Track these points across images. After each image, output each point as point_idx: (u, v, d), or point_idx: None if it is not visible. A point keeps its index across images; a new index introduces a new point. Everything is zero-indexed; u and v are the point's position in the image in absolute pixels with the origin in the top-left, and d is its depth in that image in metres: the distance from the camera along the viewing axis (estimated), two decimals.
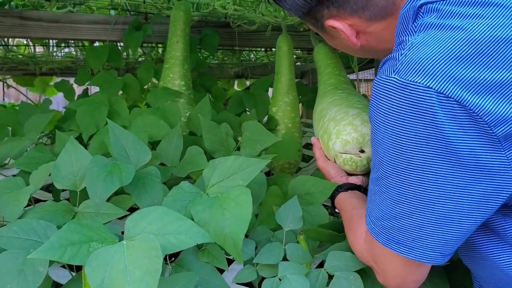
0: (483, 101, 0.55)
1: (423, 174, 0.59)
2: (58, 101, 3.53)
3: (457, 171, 0.57)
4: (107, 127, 1.17)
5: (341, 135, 0.91)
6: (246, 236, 0.93)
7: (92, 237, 0.68)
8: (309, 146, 1.94)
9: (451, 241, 0.62)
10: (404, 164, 0.60)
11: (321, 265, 0.90)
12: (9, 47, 2.10)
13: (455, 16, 0.61)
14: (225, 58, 2.60)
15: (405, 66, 0.59)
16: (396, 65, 0.60)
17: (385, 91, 0.60)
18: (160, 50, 2.20)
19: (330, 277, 0.83)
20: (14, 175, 1.21)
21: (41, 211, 0.94)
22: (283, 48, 1.51)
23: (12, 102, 3.28)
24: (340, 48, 0.88)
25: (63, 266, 0.94)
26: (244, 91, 1.74)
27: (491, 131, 0.55)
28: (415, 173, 0.60)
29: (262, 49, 2.57)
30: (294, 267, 0.81)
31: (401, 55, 0.61)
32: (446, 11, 0.62)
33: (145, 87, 1.69)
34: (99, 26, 1.76)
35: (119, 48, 1.83)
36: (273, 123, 1.41)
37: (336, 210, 0.93)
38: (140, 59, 2.22)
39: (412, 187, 0.61)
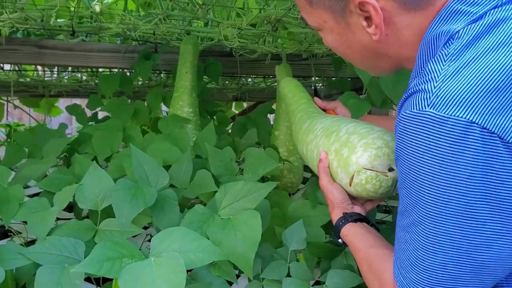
0: None
1: (462, 220, 0.54)
2: (60, 122, 3.63)
3: (497, 217, 0.53)
4: (122, 152, 1.29)
5: (370, 148, 0.79)
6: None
7: (123, 254, 0.78)
8: (307, 168, 2.05)
9: None
10: (442, 207, 0.55)
11: (317, 282, 1.01)
12: (21, 72, 2.21)
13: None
14: (226, 82, 2.72)
15: (441, 99, 0.54)
16: (430, 97, 0.55)
17: (419, 128, 0.55)
18: (165, 76, 2.31)
19: None
20: (34, 194, 1.32)
21: (66, 228, 1.04)
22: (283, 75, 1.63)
23: (16, 122, 3.38)
24: (343, 46, 0.77)
25: (88, 280, 1.04)
26: (246, 117, 1.85)
27: None
28: (454, 218, 0.54)
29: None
30: (296, 283, 0.92)
31: (434, 87, 0.55)
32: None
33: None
34: (109, 54, 1.88)
35: (129, 75, 1.94)
36: (273, 152, 1.53)
37: (340, 241, 0.85)
38: (146, 82, 2.34)
39: (449, 233, 0.55)
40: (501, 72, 0.53)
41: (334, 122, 0.94)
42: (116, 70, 2.09)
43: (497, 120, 0.51)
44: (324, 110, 1.15)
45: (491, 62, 0.54)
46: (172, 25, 1.53)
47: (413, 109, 0.56)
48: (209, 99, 2.05)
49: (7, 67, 2.20)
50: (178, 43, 1.74)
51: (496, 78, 0.53)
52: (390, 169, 0.79)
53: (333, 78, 2.25)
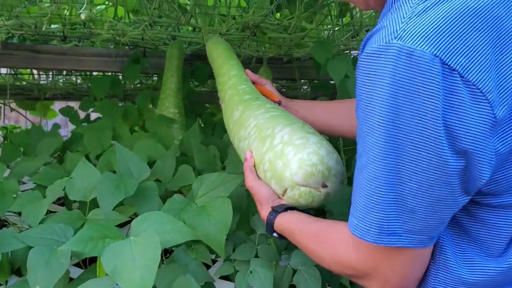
0: (487, 77, 0.53)
1: (421, 152, 0.55)
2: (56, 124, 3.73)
3: (449, 152, 0.54)
4: (112, 149, 1.39)
5: (304, 165, 0.78)
6: (227, 239, 1.13)
7: (106, 235, 0.88)
8: None
9: (442, 220, 0.60)
10: (400, 138, 0.55)
11: None
12: (17, 75, 2.31)
13: None
14: (215, 85, 2.82)
15: (408, 33, 0.54)
16: (397, 31, 0.55)
17: (385, 61, 0.54)
18: (155, 79, 2.41)
19: (295, 271, 1.03)
20: (30, 190, 1.41)
21: (57, 218, 1.13)
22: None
23: (13, 124, 3.48)
24: None
25: (75, 265, 1.13)
26: None
27: (492, 113, 0.53)
28: (414, 150, 0.55)
29: None
30: (263, 263, 1.01)
31: (402, 22, 0.55)
32: None
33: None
34: (101, 58, 1.98)
35: (121, 78, 2.04)
36: None
37: (275, 235, 0.84)
38: (138, 85, 2.44)
39: (409, 165, 0.56)
40: (467, 13, 0.54)
41: (269, 122, 0.90)
42: (108, 73, 2.19)
43: (458, 58, 0.52)
44: (253, 83, 1.14)
45: (458, 3, 0.54)
46: (158, 31, 1.64)
47: (380, 43, 0.55)
48: (197, 101, 2.15)
49: (3, 71, 2.30)
50: (165, 48, 1.84)
51: (461, 18, 0.53)
52: (324, 185, 0.79)
53: (316, 81, 2.35)
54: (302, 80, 2.62)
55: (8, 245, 1.01)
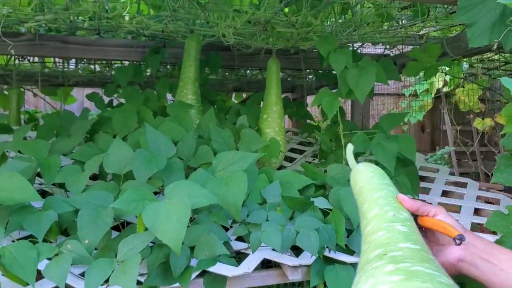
0: None
1: None
2: (73, 109, 3.93)
3: None
4: (138, 130, 1.58)
5: None
6: (242, 206, 1.33)
7: (145, 197, 1.08)
8: (294, 150, 2.35)
9: None
10: None
11: None
12: (45, 63, 2.50)
13: None
14: (226, 74, 3.01)
15: None
16: None
17: None
18: (171, 68, 2.60)
19: (298, 233, 1.23)
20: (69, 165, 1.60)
21: (96, 187, 1.34)
22: (272, 68, 1.93)
23: (34, 109, 3.68)
24: None
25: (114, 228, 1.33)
26: (241, 104, 2.14)
27: None
28: None
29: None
30: (272, 225, 1.21)
31: None
32: None
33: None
34: (124, 49, 2.16)
35: (141, 67, 2.23)
36: (260, 133, 1.82)
37: None
38: (155, 73, 2.63)
39: None
40: None
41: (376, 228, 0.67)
42: (127, 62, 2.37)
43: None
44: (416, 216, 0.82)
45: None
46: (178, 25, 1.82)
47: None
48: (210, 89, 2.34)
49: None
50: (183, 40, 2.02)
51: None
52: None
53: (320, 71, 2.53)
54: (308, 70, 2.79)
55: (59, 208, 1.21)
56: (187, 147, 1.52)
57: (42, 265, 1.04)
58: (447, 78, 4.55)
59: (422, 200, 0.85)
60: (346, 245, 1.29)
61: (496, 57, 3.08)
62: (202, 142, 1.63)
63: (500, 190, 2.08)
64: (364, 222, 0.74)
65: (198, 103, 1.84)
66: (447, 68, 3.90)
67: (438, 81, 4.98)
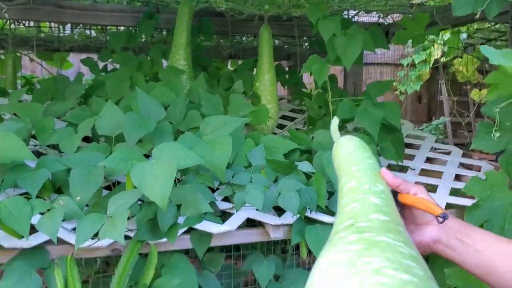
0: None
1: None
2: (69, 74, 3.96)
3: None
4: (130, 95, 1.62)
5: None
6: (228, 168, 1.38)
7: (133, 157, 1.13)
8: (285, 117, 2.39)
9: None
10: None
11: None
12: (40, 28, 2.51)
13: None
14: (221, 40, 3.02)
15: None
16: None
17: None
18: (166, 33, 2.62)
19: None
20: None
21: (89, 148, 1.39)
22: (264, 35, 1.95)
23: (31, 74, 3.71)
24: None
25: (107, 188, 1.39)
26: (233, 70, 2.17)
27: None
28: None
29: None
30: (255, 187, 1.27)
31: None
32: None
33: None
34: (118, 14, 2.18)
35: (134, 32, 2.25)
36: (255, 98, 1.86)
37: None
38: (149, 39, 2.64)
39: None
40: None
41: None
42: (122, 28, 2.39)
43: None
44: (396, 193, 0.79)
45: None
46: None
47: None
48: (205, 56, 2.36)
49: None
50: (176, 5, 2.04)
51: None
52: None
53: (313, 38, 2.54)
54: (303, 38, 2.80)
55: (52, 167, 1.27)
56: (177, 111, 1.57)
57: (35, 220, 1.10)
58: (445, 48, 4.55)
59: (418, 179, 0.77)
60: (327, 207, 1.35)
61: (497, 26, 3.08)
62: (193, 107, 1.67)
63: (492, 160, 2.13)
64: (340, 195, 0.73)
65: (190, 69, 1.88)
66: (446, 38, 3.91)
67: (436, 51, 4.98)
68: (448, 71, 5.29)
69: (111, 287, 1.15)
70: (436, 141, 2.03)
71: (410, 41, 1.97)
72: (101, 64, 2.24)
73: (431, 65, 5.21)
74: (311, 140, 1.60)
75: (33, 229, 1.12)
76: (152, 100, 1.42)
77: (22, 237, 1.09)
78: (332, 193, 1.38)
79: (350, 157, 0.81)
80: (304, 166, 1.41)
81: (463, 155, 1.89)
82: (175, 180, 1.33)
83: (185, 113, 1.57)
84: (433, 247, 0.77)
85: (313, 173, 1.40)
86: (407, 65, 5.48)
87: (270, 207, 1.28)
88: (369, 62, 5.66)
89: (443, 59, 5.02)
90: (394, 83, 5.56)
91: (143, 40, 2.67)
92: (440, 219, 0.76)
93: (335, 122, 0.90)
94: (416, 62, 5.32)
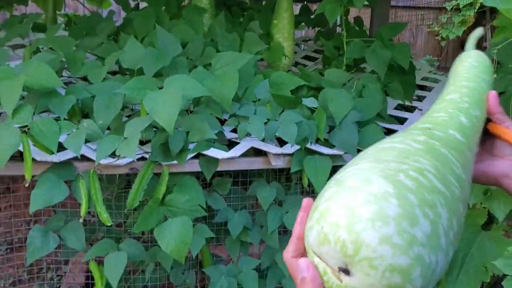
0: None
1: None
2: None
3: None
4: (154, 31, 1.74)
5: (325, 219, 0.43)
6: (235, 101, 1.50)
7: (147, 87, 1.27)
8: (308, 57, 2.46)
9: None
10: None
11: None
12: None
13: None
14: None
15: None
16: None
17: None
18: None
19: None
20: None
21: (114, 79, 1.54)
22: None
23: (73, 12, 3.88)
24: None
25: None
26: (258, 10, 2.24)
27: None
28: None
29: None
30: (258, 118, 1.39)
31: None
32: None
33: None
34: None
35: None
36: (271, 37, 1.94)
37: None
38: None
39: None
40: None
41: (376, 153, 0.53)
42: None
43: None
44: (488, 120, 0.75)
45: None
46: None
47: None
48: None
49: None
50: None
51: None
52: (345, 270, 0.42)
53: None
54: None
55: (79, 94, 1.43)
56: (195, 48, 1.68)
57: (63, 139, 1.27)
58: None
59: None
60: (326, 139, 1.46)
61: None
62: (211, 44, 1.78)
63: None
64: (439, 99, 0.71)
65: (212, 8, 1.97)
66: None
67: None
68: (496, 16, 5.08)
69: (128, 199, 1.34)
70: None
71: None
72: (133, 4, 2.35)
73: (476, 9, 5.01)
74: (320, 78, 1.69)
75: (63, 148, 1.30)
76: (170, 37, 1.53)
77: (53, 153, 1.27)
78: (332, 127, 1.48)
79: (468, 70, 0.78)
80: (309, 101, 1.51)
81: None
82: (187, 110, 1.47)
83: (202, 50, 1.68)
84: (501, 181, 0.77)
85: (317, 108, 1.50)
86: (451, 9, 5.28)
87: (271, 137, 1.41)
88: (412, 5, 5.49)
89: None
90: (436, 28, 5.41)
91: None
92: None
93: (477, 32, 0.85)
94: (461, 6, 5.13)
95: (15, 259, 2.09)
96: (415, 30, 5.50)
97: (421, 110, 1.79)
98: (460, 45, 5.93)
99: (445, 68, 5.32)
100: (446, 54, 5.75)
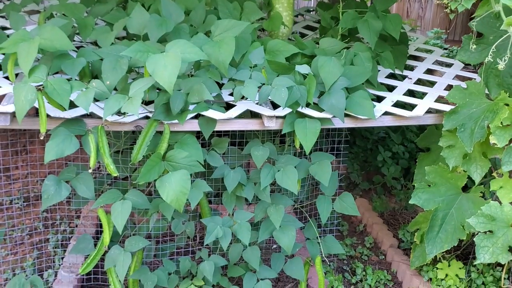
0: None
1: None
2: None
3: None
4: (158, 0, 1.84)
5: None
6: (233, 66, 1.61)
7: (149, 50, 1.39)
8: (310, 27, 2.54)
9: None
10: None
11: None
12: None
13: None
14: None
15: None
16: None
17: None
18: None
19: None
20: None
21: (121, 43, 1.65)
22: None
23: None
24: None
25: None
26: None
27: None
28: None
29: None
30: (252, 82, 1.50)
31: None
32: None
33: None
34: None
35: None
36: (270, 5, 2.03)
37: None
38: None
39: None
40: None
41: None
42: None
43: None
44: None
45: None
46: None
47: None
48: None
49: None
50: None
51: None
52: None
53: None
54: None
55: (89, 56, 1.55)
56: (198, 15, 1.79)
57: (74, 97, 1.40)
58: None
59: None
60: (316, 104, 1.57)
61: None
62: (213, 12, 1.88)
63: None
64: None
65: None
66: None
67: None
68: None
69: (133, 153, 1.47)
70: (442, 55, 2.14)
71: None
72: None
73: None
74: (314, 46, 1.79)
75: (75, 106, 1.43)
76: (173, 4, 1.64)
77: (65, 109, 1.40)
78: (323, 92, 1.59)
79: None
80: (302, 68, 1.61)
81: (464, 69, 2.01)
82: (188, 74, 1.59)
83: (204, 18, 1.78)
84: None
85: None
86: None
87: (264, 100, 1.53)
88: None
89: None
90: (445, 1, 5.39)
91: None
92: None
93: None
94: None
95: (32, 213, 2.27)
96: (424, 2, 5.49)
97: (410, 78, 1.89)
98: (468, 18, 5.90)
99: (452, 41, 5.34)
100: (455, 27, 5.74)
